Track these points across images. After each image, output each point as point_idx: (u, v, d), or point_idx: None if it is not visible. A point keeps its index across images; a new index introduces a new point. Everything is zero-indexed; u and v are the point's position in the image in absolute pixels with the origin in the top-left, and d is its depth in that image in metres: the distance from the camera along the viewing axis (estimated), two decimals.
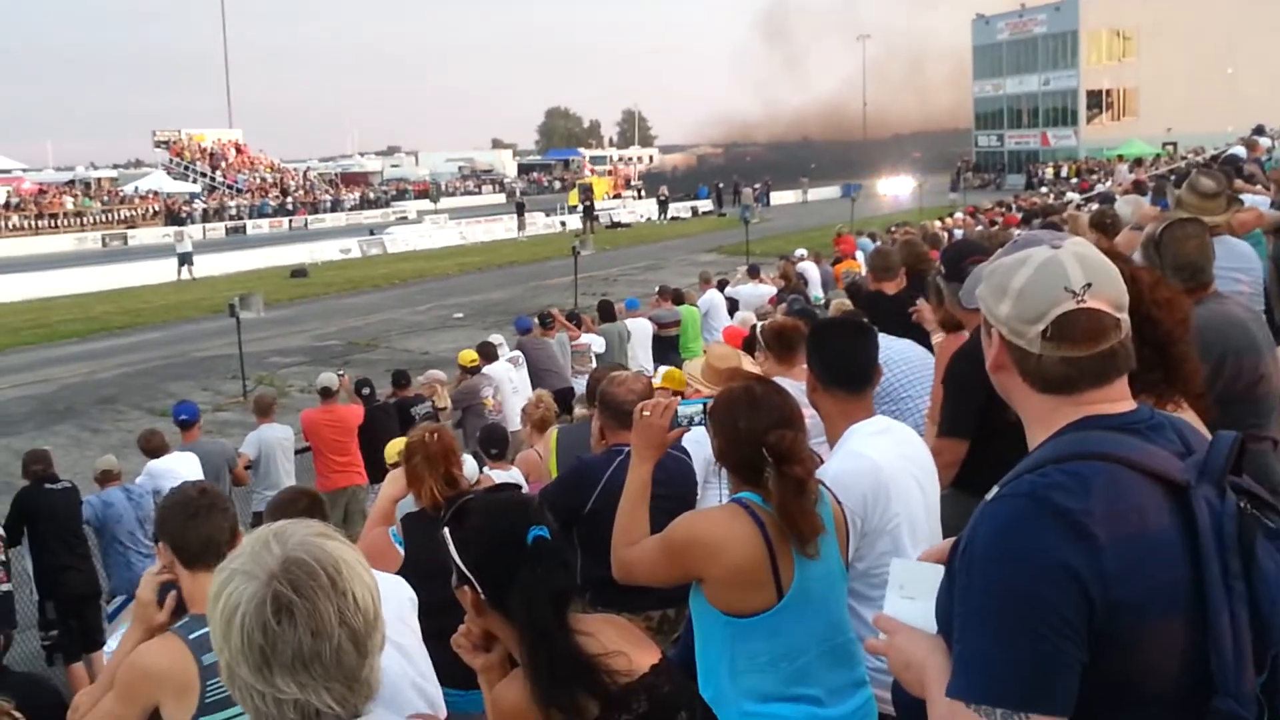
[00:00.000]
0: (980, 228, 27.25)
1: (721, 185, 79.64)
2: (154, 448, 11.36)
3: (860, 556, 4.09)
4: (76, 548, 10.57)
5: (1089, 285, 2.11)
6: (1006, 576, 1.98)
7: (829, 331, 4.76)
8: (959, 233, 25.81)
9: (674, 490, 5.49)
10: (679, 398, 4.20)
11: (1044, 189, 58.89)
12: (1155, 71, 78.25)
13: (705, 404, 3.88)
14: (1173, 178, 21.14)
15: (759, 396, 3.67)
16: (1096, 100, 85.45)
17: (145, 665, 3.66)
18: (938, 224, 30.92)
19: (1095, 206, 17.47)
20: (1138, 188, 20.26)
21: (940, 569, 2.22)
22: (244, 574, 2.00)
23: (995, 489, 2.11)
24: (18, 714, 4.92)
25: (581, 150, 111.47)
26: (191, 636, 3.63)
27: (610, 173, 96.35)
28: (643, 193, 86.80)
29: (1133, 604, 1.95)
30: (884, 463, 4.23)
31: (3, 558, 9.69)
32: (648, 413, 3.88)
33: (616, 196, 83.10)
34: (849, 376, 4.42)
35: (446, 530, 2.90)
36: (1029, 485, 2.04)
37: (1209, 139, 57.13)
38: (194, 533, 3.76)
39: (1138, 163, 60.22)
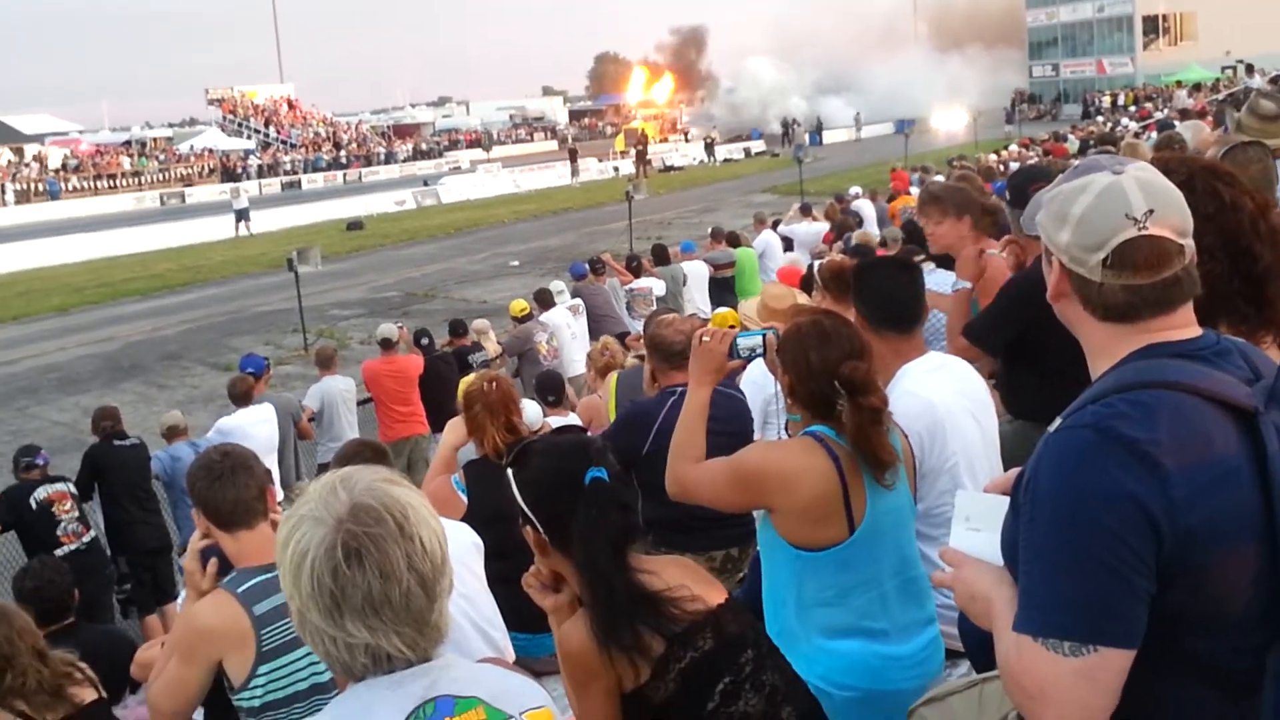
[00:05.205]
0: (1034, 159, 26.86)
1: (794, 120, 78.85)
2: (241, 393, 11.55)
3: (920, 497, 4.07)
4: (146, 502, 10.78)
5: (1151, 212, 2.06)
6: (1072, 509, 1.95)
7: (873, 271, 4.71)
8: (1014, 165, 25.44)
9: (729, 426, 5.49)
10: (736, 329, 4.18)
11: (1100, 118, 57.90)
12: None
13: (764, 335, 3.86)
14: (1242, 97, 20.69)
15: (828, 330, 3.65)
16: (1153, 25, 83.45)
17: (199, 624, 3.74)
18: (993, 157, 30.50)
19: (1154, 134, 17.16)
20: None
21: (1005, 500, 2.20)
22: (312, 520, 2.01)
23: (1058, 420, 2.08)
24: (83, 664, 5.03)
25: (624, 98, 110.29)
26: (240, 590, 3.71)
27: (657, 117, 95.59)
28: (688, 136, 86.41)
29: (1201, 532, 1.93)
30: (939, 401, 4.21)
31: (77, 513, 9.91)
32: (707, 339, 3.88)
33: (664, 140, 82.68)
34: (896, 316, 4.39)
35: (510, 471, 2.93)
36: (1093, 416, 2.01)
37: (1270, 60, 55.91)
38: (221, 495, 3.81)
39: (1196, 88, 59.10)
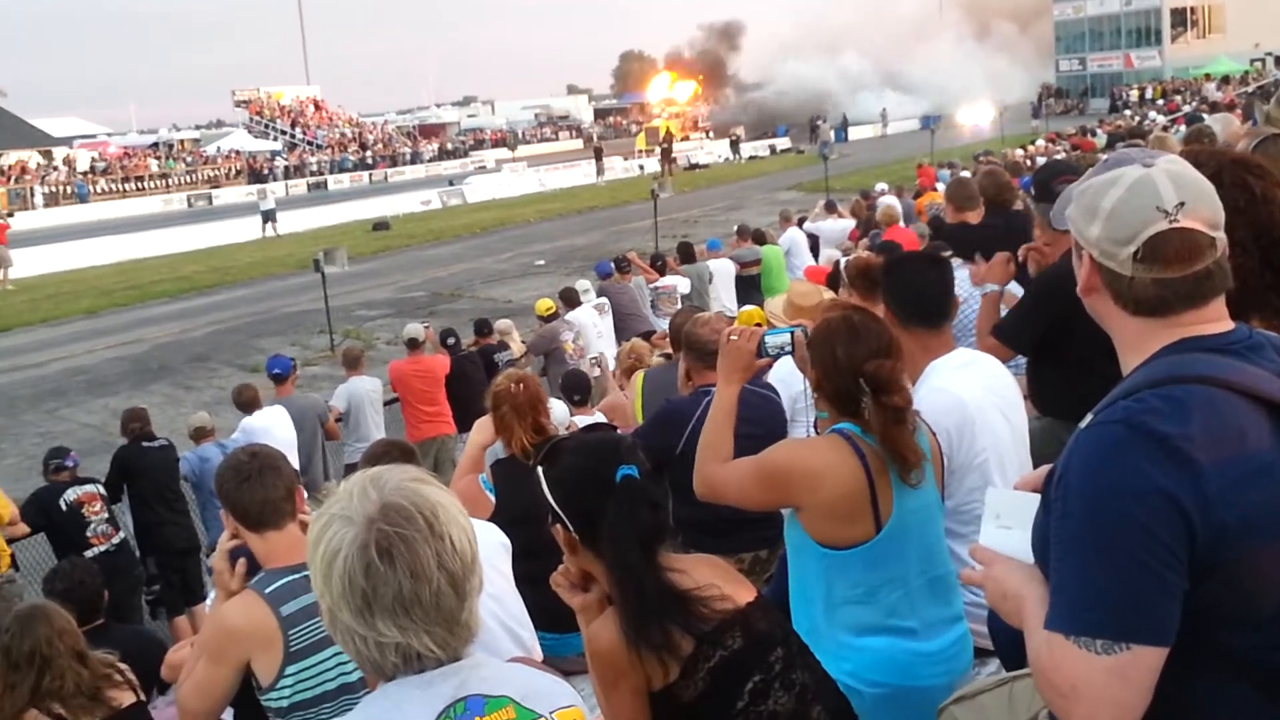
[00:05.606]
0: (1062, 155, 26.74)
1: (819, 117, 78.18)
2: (246, 401, 11.53)
3: (949, 494, 4.05)
4: (174, 504, 10.83)
5: (1182, 204, 2.04)
6: (1104, 505, 1.94)
7: (902, 266, 4.71)
8: (1041, 160, 25.32)
9: (759, 428, 5.47)
10: (764, 326, 4.18)
11: (1128, 112, 57.59)
12: None
13: (793, 333, 3.85)
14: (1272, 89, 20.53)
15: (858, 326, 3.64)
16: (1181, 18, 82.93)
17: (227, 625, 3.75)
18: (1019, 152, 30.39)
19: (1182, 128, 17.06)
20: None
21: (1036, 498, 2.19)
22: (343, 519, 2.01)
23: (1089, 416, 2.07)
24: (123, 665, 5.06)
25: (646, 96, 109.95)
26: (267, 591, 3.72)
27: (678, 115, 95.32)
28: (710, 133, 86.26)
29: (1235, 527, 1.91)
30: (968, 397, 4.19)
31: (107, 514, 9.97)
32: (735, 337, 3.88)
33: (685, 139, 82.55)
34: (925, 311, 4.38)
35: (540, 468, 2.93)
36: (1124, 411, 1.99)
37: None
38: (249, 496, 3.82)
39: (1225, 81, 58.76)
